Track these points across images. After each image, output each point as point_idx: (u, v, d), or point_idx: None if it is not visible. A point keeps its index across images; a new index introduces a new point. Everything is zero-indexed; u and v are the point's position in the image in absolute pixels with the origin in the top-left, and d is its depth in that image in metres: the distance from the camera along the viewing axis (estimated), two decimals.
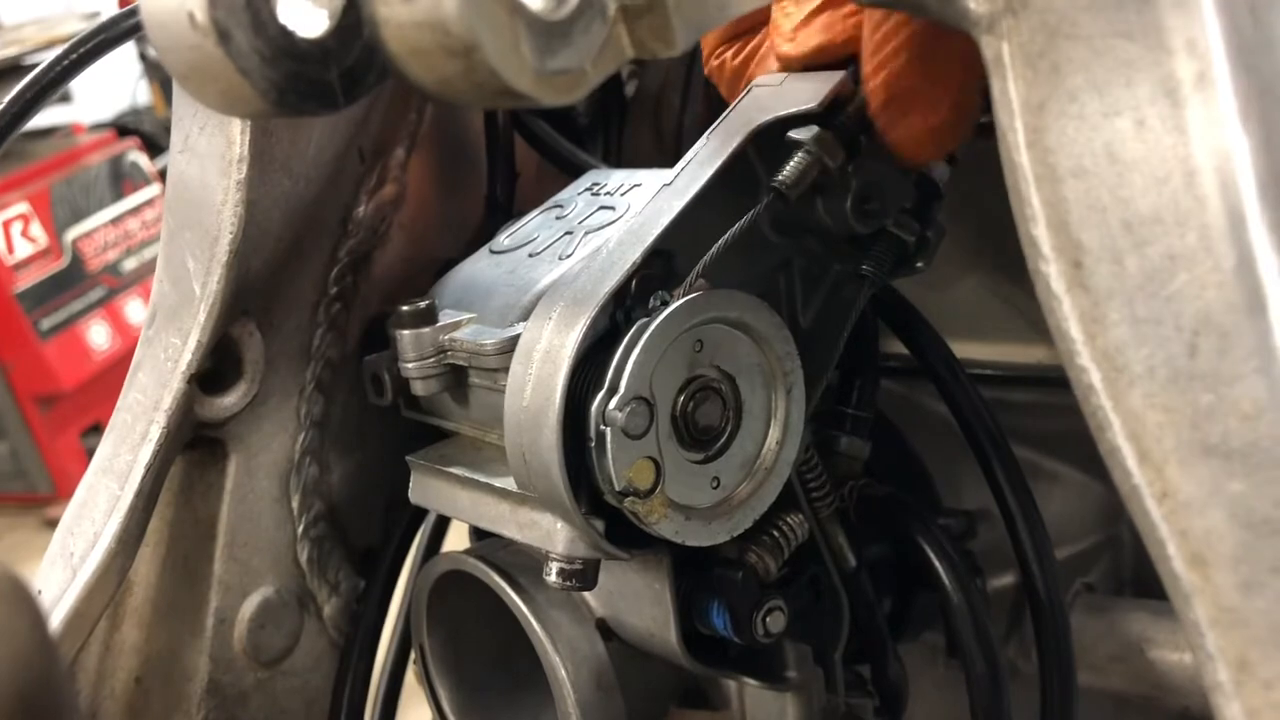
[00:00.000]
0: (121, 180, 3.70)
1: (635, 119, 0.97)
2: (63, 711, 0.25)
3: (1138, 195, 0.37)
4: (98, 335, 3.49)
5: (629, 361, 0.54)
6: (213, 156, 0.60)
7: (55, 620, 0.65)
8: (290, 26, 0.40)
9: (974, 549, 0.81)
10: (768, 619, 0.61)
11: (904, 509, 0.68)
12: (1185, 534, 0.37)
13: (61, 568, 0.67)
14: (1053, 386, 0.83)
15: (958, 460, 0.85)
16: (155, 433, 0.65)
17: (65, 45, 0.70)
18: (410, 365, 0.64)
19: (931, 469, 0.85)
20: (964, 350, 0.76)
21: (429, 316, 0.65)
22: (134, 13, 0.64)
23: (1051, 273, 0.39)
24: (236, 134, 0.59)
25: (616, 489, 0.54)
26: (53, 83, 0.70)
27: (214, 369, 0.69)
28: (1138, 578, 0.90)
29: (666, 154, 0.94)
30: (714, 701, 0.71)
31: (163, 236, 0.65)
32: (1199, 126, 0.36)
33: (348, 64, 0.42)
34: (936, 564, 0.66)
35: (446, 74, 0.34)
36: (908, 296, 0.73)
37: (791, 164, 0.57)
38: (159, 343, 0.65)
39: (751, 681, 0.65)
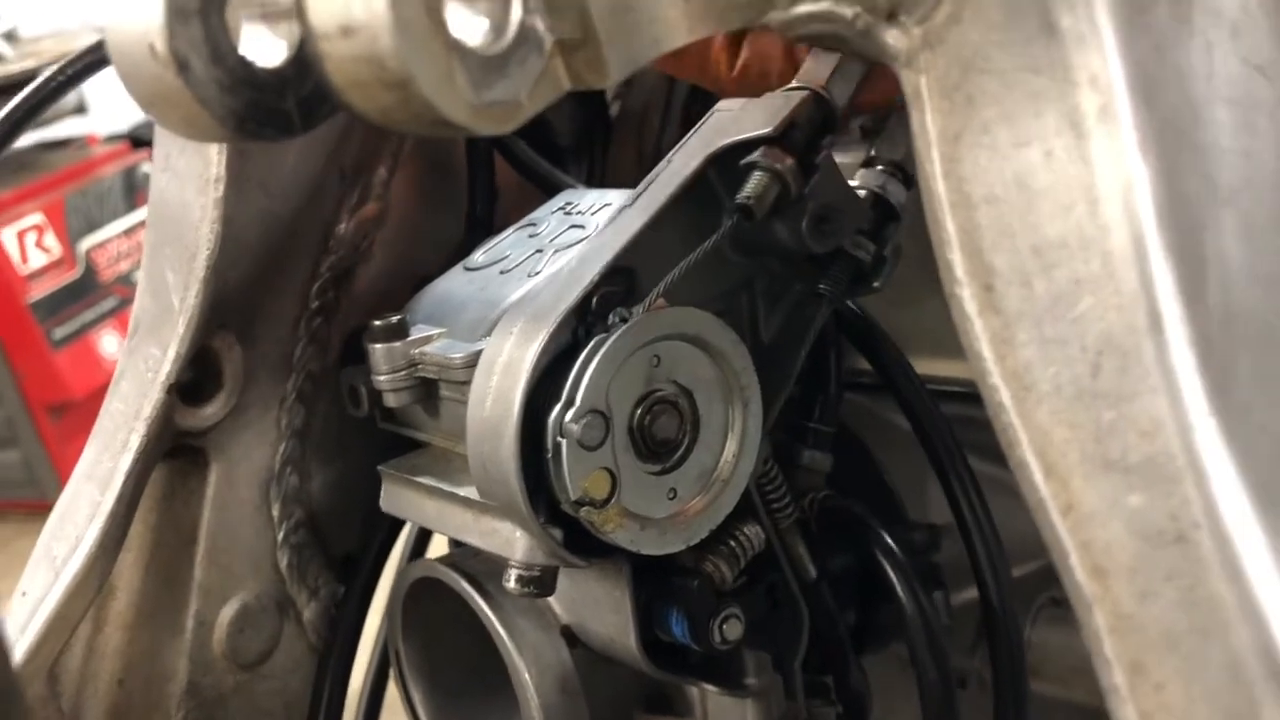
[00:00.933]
0: (135, 191, 3.74)
1: (618, 140, 1.00)
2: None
3: (1045, 222, 0.39)
4: (109, 345, 3.52)
5: (585, 375, 0.56)
6: (191, 176, 0.62)
7: (38, 621, 0.68)
8: (249, 56, 0.42)
9: (940, 563, 0.83)
10: (724, 626, 0.63)
11: (860, 520, 0.70)
12: (1087, 545, 0.39)
13: (45, 570, 0.69)
14: None
15: (925, 476, 0.86)
16: (135, 441, 0.67)
17: (61, 62, 0.73)
18: (382, 378, 0.67)
19: (899, 484, 0.87)
20: (932, 367, 0.77)
21: (400, 331, 0.67)
22: None
23: (965, 295, 0.41)
24: (213, 154, 0.62)
25: (572, 499, 0.56)
26: (48, 98, 0.72)
27: (194, 380, 0.71)
28: None
29: (648, 171, 0.96)
30: (677, 708, 0.73)
31: (145, 251, 0.67)
32: (1102, 157, 0.38)
33: (304, 93, 0.44)
34: (890, 573, 0.68)
35: (385, 104, 0.36)
36: (875, 315, 0.75)
37: (752, 182, 0.59)
38: (140, 353, 0.67)
39: (711, 688, 0.67)
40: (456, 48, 0.37)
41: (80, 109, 3.77)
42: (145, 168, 3.77)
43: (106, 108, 4.30)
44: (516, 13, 0.38)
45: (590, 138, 0.97)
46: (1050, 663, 0.84)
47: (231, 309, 0.70)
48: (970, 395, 0.84)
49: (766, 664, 0.68)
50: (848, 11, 0.41)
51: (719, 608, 0.63)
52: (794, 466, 0.71)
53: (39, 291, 3.29)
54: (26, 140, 3.61)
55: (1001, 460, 0.85)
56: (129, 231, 3.60)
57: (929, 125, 0.41)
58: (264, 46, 0.43)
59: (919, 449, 0.79)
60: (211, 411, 0.71)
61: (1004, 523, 0.72)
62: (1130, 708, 0.37)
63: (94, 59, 0.73)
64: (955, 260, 0.41)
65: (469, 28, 0.37)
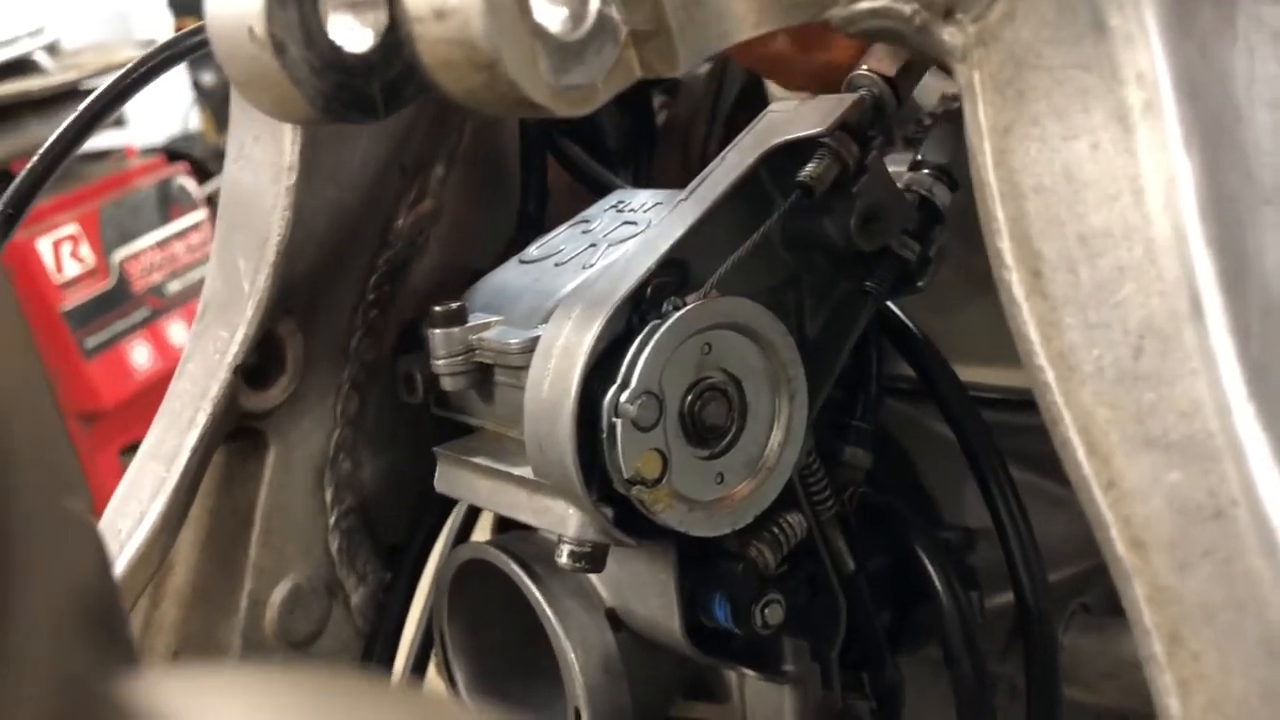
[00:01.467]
0: (170, 204, 3.79)
1: (664, 146, 1.02)
2: (119, 617, 0.29)
3: (1091, 211, 0.41)
4: (140, 355, 3.56)
5: (641, 358, 0.58)
6: (265, 164, 0.65)
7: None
8: (338, 42, 0.45)
9: (974, 566, 0.84)
10: (766, 611, 0.65)
11: (901, 515, 0.72)
12: (1128, 520, 0.40)
13: (110, 544, 0.72)
14: None
15: (961, 481, 0.88)
16: (202, 419, 0.70)
17: (126, 66, 0.76)
18: (440, 362, 0.69)
19: (935, 489, 0.88)
20: (971, 374, 0.79)
21: (460, 317, 0.69)
22: (190, 35, 0.70)
23: (1013, 280, 0.43)
24: (288, 144, 0.64)
25: (625, 477, 0.58)
26: (112, 103, 0.76)
27: (258, 364, 0.74)
28: None
29: (692, 178, 0.98)
30: (717, 695, 0.75)
31: (216, 238, 0.70)
32: (1147, 150, 0.40)
33: (389, 78, 0.47)
34: (929, 568, 0.69)
35: (472, 85, 0.39)
36: (916, 321, 0.77)
37: (813, 162, 0.61)
38: (209, 336, 0.70)
39: (750, 673, 0.69)
40: (539, 33, 0.39)
41: (119, 121, 3.84)
42: (180, 181, 3.85)
43: (144, 121, 4.38)
44: (594, 3, 0.41)
45: (636, 143, 1.00)
46: (1081, 668, 0.85)
47: (296, 296, 0.72)
48: (1004, 401, 0.87)
49: (804, 652, 0.70)
50: (906, 8, 0.43)
51: (761, 592, 0.65)
52: (835, 462, 0.73)
53: (72, 301, 3.34)
54: None
55: (1035, 466, 0.88)
56: (162, 244, 3.65)
57: (981, 118, 0.43)
58: (352, 33, 0.46)
59: (954, 455, 0.80)
60: (273, 395, 0.74)
61: (1036, 530, 0.74)
62: (1168, 676, 0.39)
63: (166, 56, 0.76)
64: (1005, 247, 0.43)
65: (551, 15, 0.40)
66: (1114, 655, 0.83)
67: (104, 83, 0.75)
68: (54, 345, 3.33)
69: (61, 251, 3.37)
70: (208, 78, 4.36)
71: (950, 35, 0.43)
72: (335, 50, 0.45)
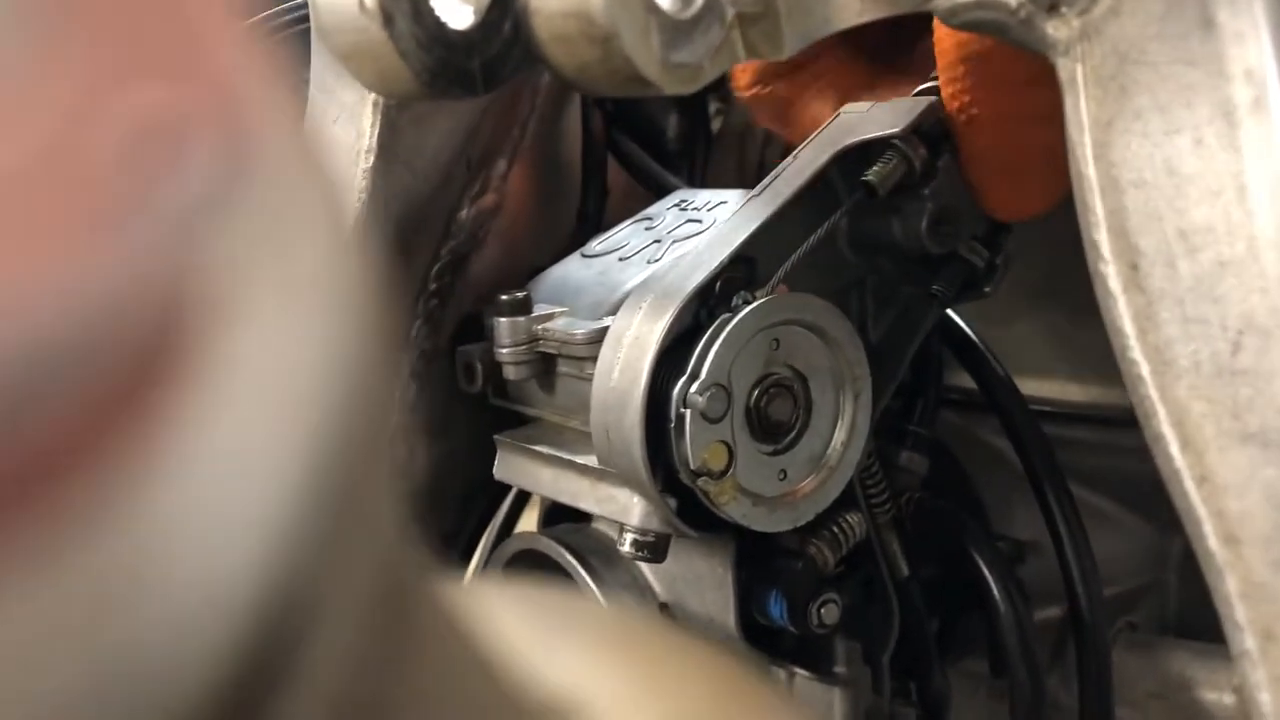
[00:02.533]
0: None
1: (719, 151, 1.03)
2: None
3: (1192, 206, 0.41)
4: None
5: (712, 350, 0.59)
6: (343, 147, 0.66)
7: None
8: (443, 18, 0.46)
9: (1021, 578, 0.84)
10: (823, 610, 0.65)
11: (958, 521, 0.72)
12: (1221, 514, 0.40)
13: None
14: (1109, 426, 0.86)
15: (1009, 493, 0.88)
16: None
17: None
18: (505, 350, 0.69)
19: (985, 499, 0.88)
20: (1022, 386, 0.79)
21: (525, 307, 0.70)
22: (285, 12, 0.71)
23: (1110, 273, 0.43)
24: (367, 127, 0.65)
25: (691, 468, 0.59)
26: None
27: None
28: (1181, 623, 0.92)
29: (748, 184, 0.99)
30: None
31: None
32: (1253, 147, 0.40)
33: (489, 56, 0.47)
34: (987, 574, 0.69)
35: (585, 59, 0.39)
36: (974, 331, 0.77)
37: (879, 163, 0.62)
38: None
39: (802, 672, 0.69)
40: (653, 9, 0.40)
41: None
42: None
43: None
44: None
45: (693, 147, 1.00)
46: (1128, 687, 0.84)
47: None
48: (1055, 414, 0.87)
49: (857, 655, 0.70)
50: (1011, 1, 0.43)
51: (818, 591, 0.65)
52: (892, 467, 0.73)
53: None
54: None
55: (1084, 481, 0.87)
56: None
57: (1083, 112, 0.43)
58: (455, 10, 0.46)
59: (1004, 466, 0.80)
60: None
61: None
62: (1262, 672, 0.38)
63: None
64: (1102, 240, 0.43)
65: None
66: (1161, 675, 0.83)
67: None
68: None
69: None
70: None
71: (1054, 29, 0.43)
72: (440, 25, 0.46)
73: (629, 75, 0.39)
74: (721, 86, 1.05)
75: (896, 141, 0.63)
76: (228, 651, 0.13)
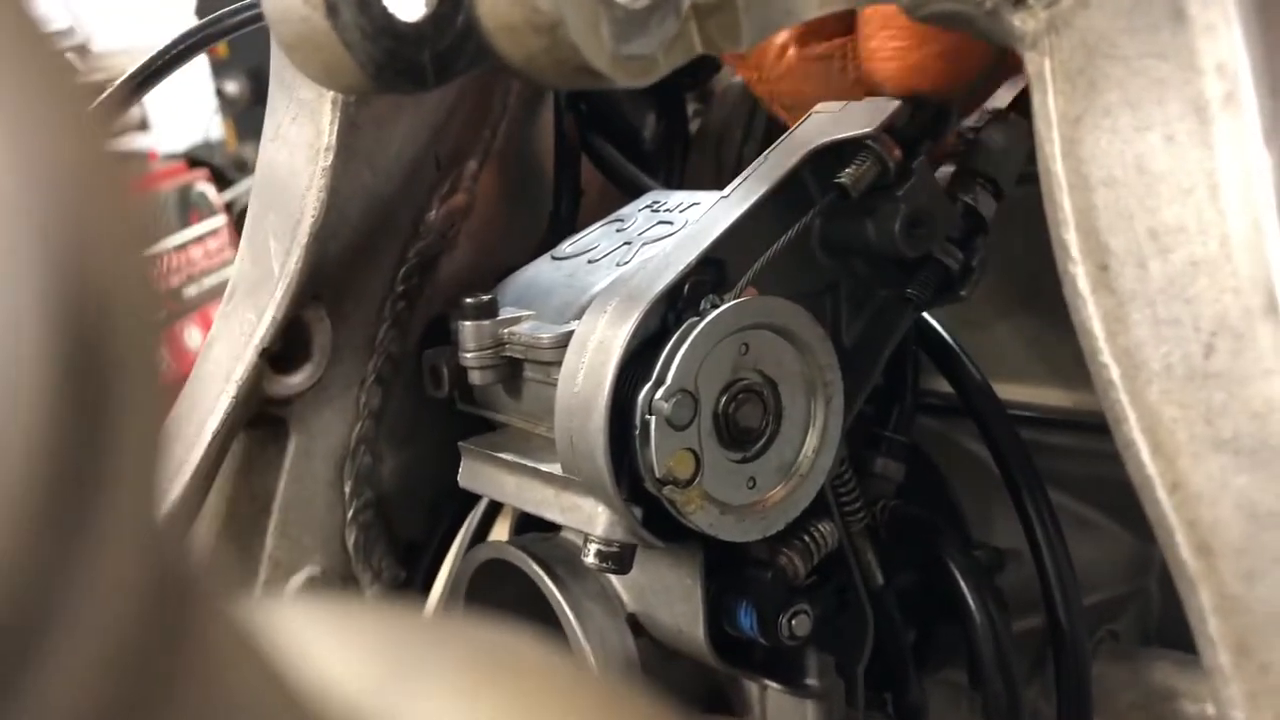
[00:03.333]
0: (189, 209, 3.81)
1: (697, 152, 1.01)
2: None
3: (1164, 204, 0.40)
4: None
5: (678, 355, 0.57)
6: (301, 145, 0.64)
7: None
8: (391, 9, 0.44)
9: (1001, 587, 0.82)
10: (793, 621, 0.63)
11: (934, 530, 0.70)
12: (1193, 524, 0.39)
13: None
14: (1088, 431, 0.84)
15: (989, 500, 0.86)
16: (224, 402, 0.68)
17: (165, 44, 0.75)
18: (469, 355, 0.68)
19: (964, 507, 0.86)
20: (1001, 391, 0.78)
21: (490, 310, 0.68)
22: (238, 11, 0.69)
23: (1079, 274, 0.41)
24: (326, 125, 0.64)
25: (657, 476, 0.57)
26: (154, 75, 0.75)
27: (284, 350, 0.73)
28: (1163, 631, 0.90)
29: (726, 185, 0.98)
30: (736, 708, 0.73)
31: (248, 219, 0.69)
32: (1225, 143, 0.39)
33: (440, 48, 0.46)
34: (962, 584, 0.68)
35: (532, 49, 0.38)
36: (951, 334, 0.76)
37: (853, 164, 0.60)
38: (235, 318, 0.69)
39: (774, 685, 0.67)
40: (603, 0, 0.38)
41: (143, 125, 3.86)
42: (200, 187, 3.86)
43: (167, 127, 4.40)
44: None
45: (670, 148, 0.99)
46: (1109, 698, 0.83)
47: (326, 281, 0.71)
48: (1034, 419, 0.86)
49: (830, 667, 0.68)
50: None
51: (789, 602, 0.63)
52: (867, 474, 0.71)
53: None
54: None
55: (1065, 487, 0.86)
56: (180, 248, 3.66)
57: (1050, 107, 0.42)
58: (404, 0, 0.45)
59: (983, 472, 0.79)
60: (298, 381, 0.72)
61: None
62: (1234, 688, 0.37)
63: (196, 40, 0.75)
64: (1070, 239, 0.41)
65: None
66: (1143, 686, 0.81)
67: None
68: None
69: None
70: (231, 87, 4.39)
71: (1021, 21, 0.42)
72: (388, 16, 0.44)
73: (577, 66, 0.38)
74: (699, 86, 1.04)
75: (870, 142, 0.61)
76: None
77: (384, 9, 0.44)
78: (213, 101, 4.69)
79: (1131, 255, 0.40)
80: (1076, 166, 0.41)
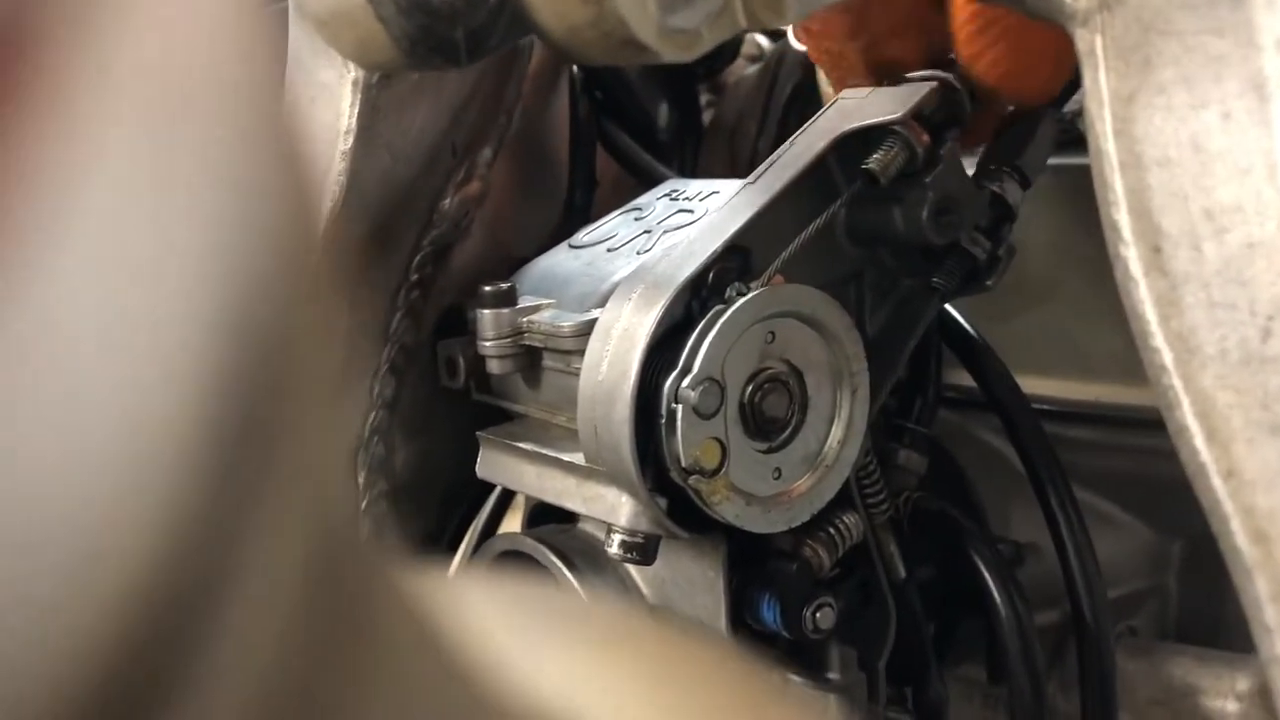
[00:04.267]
0: None
1: (710, 144, 1.00)
2: None
3: (1220, 185, 0.39)
4: None
5: (704, 343, 0.56)
6: (323, 127, 0.63)
7: None
8: None
9: (1021, 580, 0.82)
10: (818, 614, 0.62)
11: (957, 522, 0.69)
12: (1249, 511, 0.38)
13: None
14: (1109, 425, 0.84)
15: (1007, 494, 0.86)
16: None
17: None
18: (488, 344, 0.67)
19: (983, 500, 0.86)
20: (1023, 384, 0.77)
21: (510, 298, 0.67)
22: None
23: (1131, 256, 0.40)
24: (346, 107, 0.62)
25: (683, 465, 0.56)
26: None
27: None
28: (1182, 628, 0.90)
29: (740, 176, 0.97)
30: None
31: None
32: None
33: (473, 25, 0.45)
34: (986, 576, 0.67)
35: (576, 21, 0.37)
36: (973, 327, 0.75)
37: (880, 150, 0.59)
38: None
39: (796, 678, 0.66)
40: None
41: None
42: None
43: None
44: None
45: (683, 139, 0.98)
46: (1128, 695, 0.82)
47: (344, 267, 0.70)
48: (1055, 413, 0.85)
49: (852, 660, 0.67)
50: None
51: (813, 595, 0.62)
52: (890, 466, 0.70)
53: None
54: None
55: (1084, 482, 0.85)
56: None
57: (1102, 85, 0.41)
58: None
59: (1003, 466, 0.78)
60: None
61: None
62: None
63: None
64: (1122, 221, 0.40)
65: None
66: (1163, 681, 0.81)
67: None
68: None
69: None
70: None
71: None
72: None
73: (623, 39, 0.37)
74: (712, 77, 1.04)
75: (898, 128, 0.60)
76: (94, 637, 0.10)
77: None
78: None
79: (1186, 237, 0.39)
80: (1130, 146, 0.40)
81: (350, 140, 0.62)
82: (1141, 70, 0.40)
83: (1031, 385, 0.85)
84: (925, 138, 0.61)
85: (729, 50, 0.96)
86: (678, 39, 0.38)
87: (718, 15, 0.39)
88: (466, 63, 0.45)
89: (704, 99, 1.05)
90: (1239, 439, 0.38)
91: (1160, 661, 0.82)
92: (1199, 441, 0.39)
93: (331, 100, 0.62)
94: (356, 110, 0.62)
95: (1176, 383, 0.40)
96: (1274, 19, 0.38)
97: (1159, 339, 0.40)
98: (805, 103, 0.94)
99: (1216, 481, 0.39)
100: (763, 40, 1.06)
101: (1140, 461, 0.85)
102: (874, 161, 0.60)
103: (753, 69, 1.05)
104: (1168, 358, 0.40)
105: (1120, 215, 0.41)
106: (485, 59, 0.48)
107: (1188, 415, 0.39)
